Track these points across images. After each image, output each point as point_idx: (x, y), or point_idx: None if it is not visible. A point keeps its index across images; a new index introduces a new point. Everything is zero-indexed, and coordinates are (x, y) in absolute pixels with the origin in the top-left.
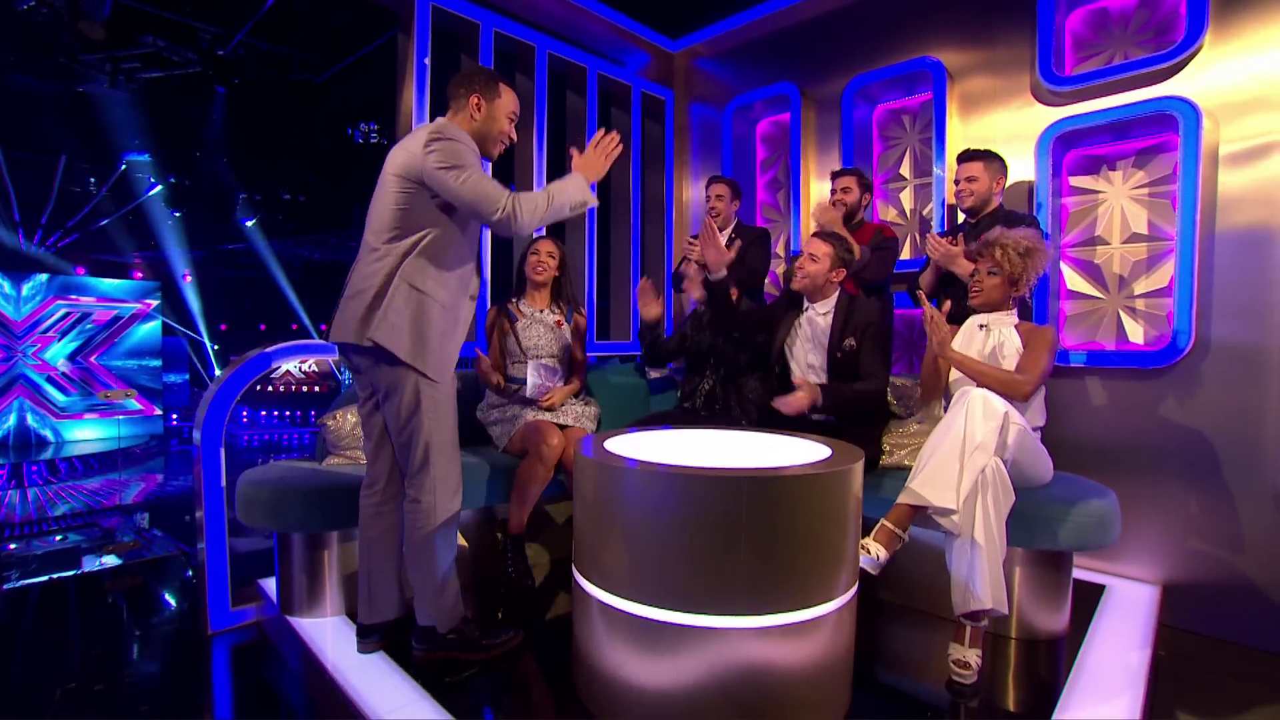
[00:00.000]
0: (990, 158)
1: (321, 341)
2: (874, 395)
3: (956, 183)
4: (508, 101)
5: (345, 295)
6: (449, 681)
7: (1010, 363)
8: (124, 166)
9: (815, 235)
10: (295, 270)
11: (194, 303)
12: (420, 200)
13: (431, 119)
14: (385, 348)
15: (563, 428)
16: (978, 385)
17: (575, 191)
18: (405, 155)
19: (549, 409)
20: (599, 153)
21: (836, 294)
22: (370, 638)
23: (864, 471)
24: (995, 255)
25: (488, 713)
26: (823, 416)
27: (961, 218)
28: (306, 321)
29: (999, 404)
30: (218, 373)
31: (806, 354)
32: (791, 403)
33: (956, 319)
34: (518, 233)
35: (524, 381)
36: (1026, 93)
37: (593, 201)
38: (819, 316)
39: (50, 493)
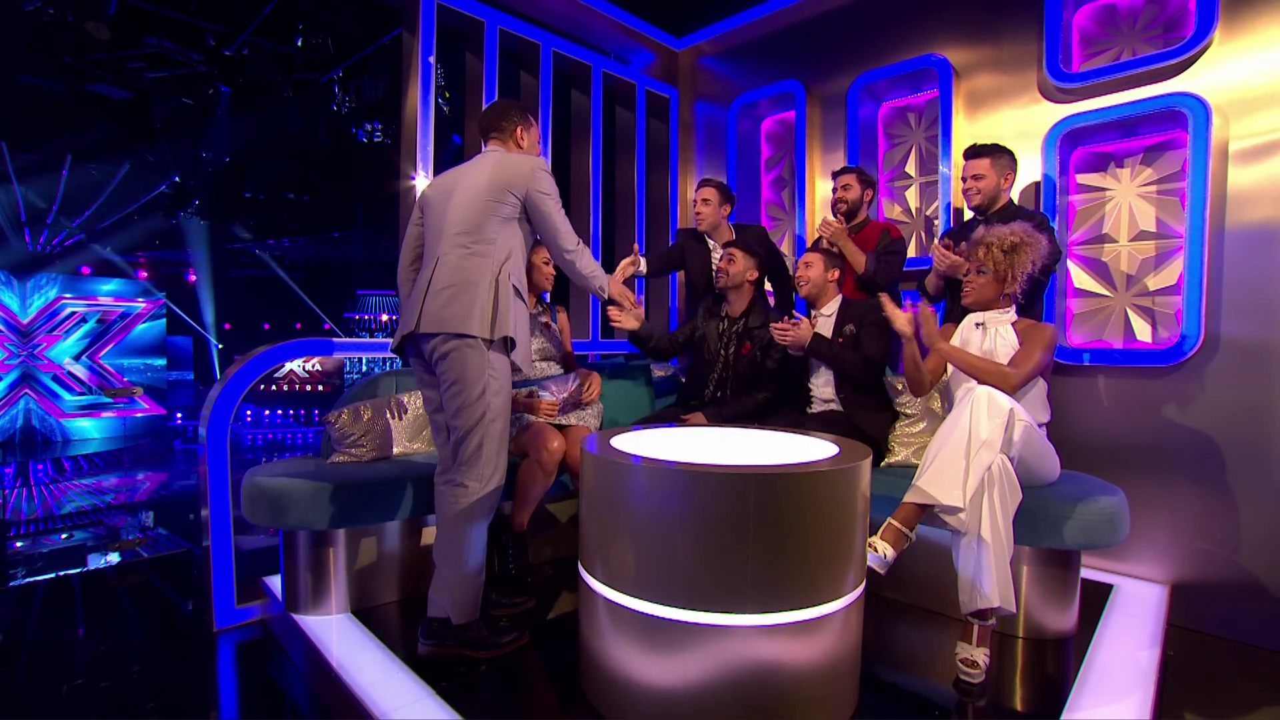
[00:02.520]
0: (997, 153)
1: (324, 339)
2: (861, 365)
3: (963, 180)
4: (537, 131)
5: (438, 289)
6: (460, 675)
7: (1006, 360)
8: (128, 166)
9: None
10: (299, 269)
11: (197, 302)
12: (509, 212)
13: (436, 118)
14: (514, 339)
15: (564, 428)
16: (975, 380)
17: (602, 282)
18: (499, 170)
19: (589, 403)
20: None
21: (839, 298)
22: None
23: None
24: (979, 254)
25: (494, 711)
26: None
27: (969, 214)
28: (324, 318)
29: (1004, 401)
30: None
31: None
32: (789, 331)
33: (957, 317)
34: (569, 266)
35: (523, 386)
36: (1033, 90)
37: (602, 295)
38: (822, 318)
39: (56, 491)
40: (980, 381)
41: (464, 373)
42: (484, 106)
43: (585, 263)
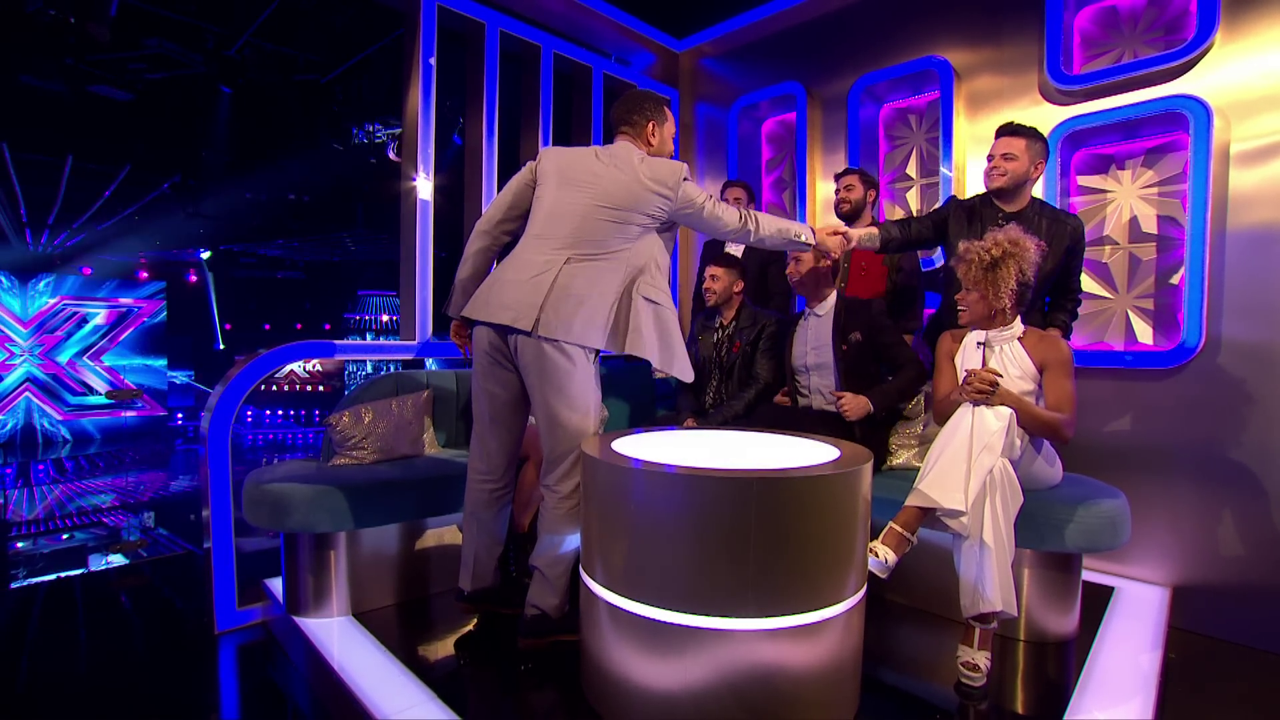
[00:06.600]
0: (1035, 136)
1: (329, 342)
2: (917, 379)
3: (990, 159)
4: (671, 125)
5: (563, 293)
6: (461, 679)
7: (1015, 383)
8: (129, 167)
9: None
10: (300, 270)
11: (198, 302)
12: (643, 223)
13: (437, 119)
14: (641, 357)
15: None
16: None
17: (798, 232)
18: (644, 192)
19: None
20: (835, 240)
21: (834, 296)
22: (474, 600)
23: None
24: (961, 270)
25: (495, 714)
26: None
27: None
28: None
29: (1005, 406)
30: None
31: (806, 355)
32: (853, 406)
33: (948, 323)
34: (746, 241)
35: None
36: (1034, 92)
37: (808, 244)
38: (815, 319)
39: (57, 491)
40: (1037, 434)
41: (573, 384)
42: (484, 108)
43: (766, 228)
